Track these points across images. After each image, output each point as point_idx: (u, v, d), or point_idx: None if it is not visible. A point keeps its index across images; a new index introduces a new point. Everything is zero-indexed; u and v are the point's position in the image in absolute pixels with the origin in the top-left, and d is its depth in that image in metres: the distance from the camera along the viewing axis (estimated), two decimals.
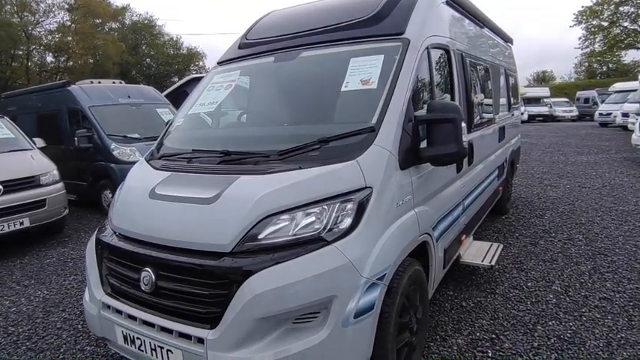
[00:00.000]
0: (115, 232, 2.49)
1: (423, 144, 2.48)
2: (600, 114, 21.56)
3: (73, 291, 4.17)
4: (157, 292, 2.12)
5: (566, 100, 30.54)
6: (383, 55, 2.61)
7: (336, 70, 2.81)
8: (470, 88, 3.55)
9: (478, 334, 3.03)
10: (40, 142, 6.90)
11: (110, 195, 7.48)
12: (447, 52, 3.16)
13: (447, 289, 3.73)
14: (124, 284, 2.31)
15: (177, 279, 2.06)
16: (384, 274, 2.06)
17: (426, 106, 2.67)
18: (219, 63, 3.57)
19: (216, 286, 1.96)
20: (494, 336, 2.99)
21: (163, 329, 2.07)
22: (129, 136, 7.72)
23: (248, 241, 1.98)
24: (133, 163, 7.30)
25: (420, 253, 2.63)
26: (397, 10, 2.84)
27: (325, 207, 2.02)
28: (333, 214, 2.01)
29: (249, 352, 1.85)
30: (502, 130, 5.00)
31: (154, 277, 2.11)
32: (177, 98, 11.25)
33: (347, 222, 2.01)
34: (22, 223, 5.43)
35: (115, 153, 7.35)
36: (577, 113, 28.45)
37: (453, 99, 3.16)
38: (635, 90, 19.05)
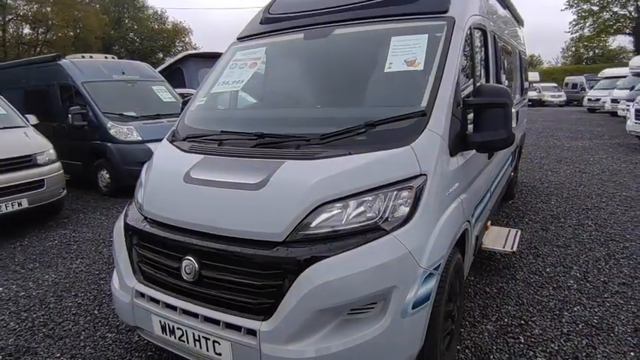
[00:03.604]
0: (146, 218, 2.36)
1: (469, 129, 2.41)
2: (589, 99, 21.82)
3: (83, 275, 4.03)
4: (200, 282, 2.02)
5: (555, 85, 30.82)
6: (427, 35, 2.49)
7: (374, 49, 2.69)
8: (499, 71, 3.47)
9: (506, 319, 3.04)
10: (32, 119, 6.59)
11: (107, 175, 7.26)
12: (484, 32, 3.06)
13: (468, 275, 3.72)
14: (160, 272, 2.20)
15: (224, 268, 1.97)
16: (439, 264, 2.01)
17: (467, 90, 2.59)
18: (240, 39, 3.39)
19: (270, 277, 1.87)
20: (522, 322, 3.00)
21: (208, 319, 1.99)
22: (125, 114, 7.44)
23: (301, 230, 1.89)
24: (131, 142, 7.20)
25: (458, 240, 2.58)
26: None
27: (381, 195, 1.93)
28: (391, 203, 1.92)
29: (307, 344, 1.79)
30: (517, 113, 4.95)
31: (197, 266, 2.01)
32: (171, 75, 10.91)
33: (404, 210, 1.94)
34: (20, 204, 5.21)
35: (111, 132, 7.09)
36: (565, 98, 28.77)
37: (487, 82, 3.08)
38: (624, 76, 19.29)
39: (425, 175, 2.03)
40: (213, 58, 12.17)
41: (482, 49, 3.06)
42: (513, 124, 4.79)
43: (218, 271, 1.98)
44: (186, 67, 12.26)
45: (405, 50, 2.47)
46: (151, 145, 6.88)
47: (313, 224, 1.91)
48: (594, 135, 12.55)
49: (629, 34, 38.48)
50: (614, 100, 17.42)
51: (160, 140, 6.95)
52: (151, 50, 41.19)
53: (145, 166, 2.75)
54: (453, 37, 2.45)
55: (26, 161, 5.39)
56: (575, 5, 38.50)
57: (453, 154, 2.27)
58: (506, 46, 4.25)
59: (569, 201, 5.89)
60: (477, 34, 2.89)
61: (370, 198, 1.94)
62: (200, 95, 3.21)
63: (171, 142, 2.81)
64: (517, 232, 4.03)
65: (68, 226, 5.65)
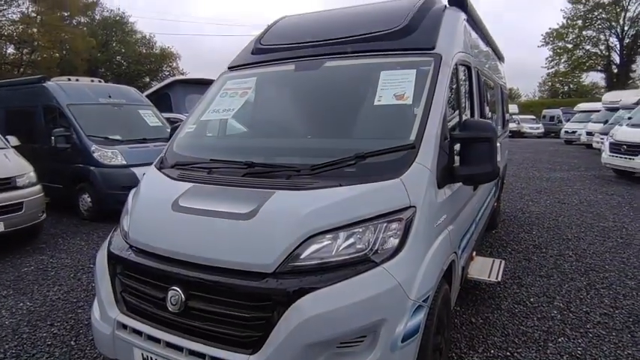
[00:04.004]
0: (131, 246, 2.32)
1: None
2: (566, 132, 22.63)
3: (60, 303, 3.89)
4: (186, 313, 1.98)
5: (533, 117, 31.88)
6: (415, 70, 2.58)
7: (364, 82, 2.77)
8: (484, 106, 3.59)
9: (492, 351, 3.04)
10: (14, 141, 6.48)
11: (89, 199, 7.11)
12: (469, 68, 3.18)
13: (454, 305, 3.72)
14: (144, 303, 2.15)
15: (212, 300, 1.94)
16: (428, 296, 2.02)
17: (452, 123, 2.67)
18: (231, 68, 3.44)
19: (258, 309, 1.85)
20: (508, 354, 3.00)
21: (193, 353, 1.94)
22: (110, 137, 7.38)
23: (291, 261, 1.88)
24: (115, 166, 7.11)
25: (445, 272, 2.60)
26: (425, 24, 2.83)
27: (371, 227, 1.95)
28: (380, 235, 1.94)
29: None
30: (499, 145, 5.10)
31: (183, 296, 1.97)
32: (158, 100, 10.91)
33: (394, 242, 1.95)
34: None
35: (95, 155, 7.00)
36: (543, 130, 29.73)
37: (472, 116, 3.18)
38: (598, 111, 20.16)
39: (414, 207, 2.06)
40: (200, 84, 12.27)
41: (467, 84, 3.17)
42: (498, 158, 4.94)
43: (205, 303, 1.95)
44: (173, 92, 12.29)
45: (395, 84, 2.55)
46: (135, 170, 6.81)
47: (303, 255, 1.90)
48: (571, 166, 12.94)
49: (600, 71, 40.51)
50: (589, 133, 18.12)
51: (145, 165, 6.87)
52: (137, 74, 41.18)
53: (132, 192, 2.72)
54: (440, 73, 2.54)
55: (5, 184, 5.26)
56: (550, 43, 40.51)
57: (440, 186, 2.32)
58: (489, 80, 4.42)
59: (550, 231, 6.01)
60: (462, 69, 3.01)
61: (360, 230, 1.96)
62: (189, 122, 3.22)
63: (159, 168, 2.79)
64: (501, 262, 4.07)
65: (46, 252, 5.47)
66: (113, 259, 2.35)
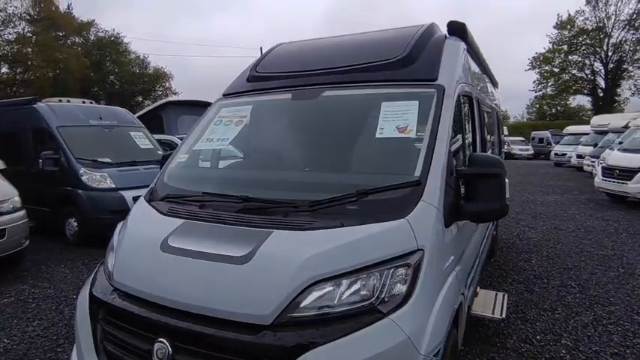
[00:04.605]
0: (115, 289, 2.14)
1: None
2: (556, 154, 22.87)
3: (39, 340, 3.64)
4: None
5: (522, 139, 32.25)
6: (417, 102, 2.48)
7: (364, 113, 2.66)
8: (484, 135, 3.51)
9: None
10: (0, 164, 6.26)
11: (75, 223, 6.88)
12: (471, 99, 3.10)
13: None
14: (127, 354, 1.96)
15: (202, 354, 1.75)
16: (439, 349, 1.85)
17: (458, 158, 2.57)
18: (225, 95, 3.33)
19: None
20: None
21: None
22: (100, 160, 7.20)
23: (290, 312, 1.72)
24: (104, 190, 6.88)
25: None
26: (426, 55, 2.74)
27: (377, 273, 1.80)
28: (387, 281, 1.79)
29: None
30: None
31: (170, 349, 1.79)
32: (150, 121, 10.77)
33: (401, 290, 1.80)
34: None
35: (83, 178, 6.80)
36: (532, 152, 30.04)
37: (475, 148, 3.09)
38: (587, 133, 20.42)
39: (422, 250, 1.92)
40: (192, 105, 12.19)
41: (470, 115, 3.09)
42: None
43: (194, 358, 1.76)
44: (165, 113, 12.19)
45: (397, 116, 2.44)
46: (125, 193, 6.63)
47: (303, 305, 1.74)
48: (564, 190, 12.95)
49: (586, 94, 41.43)
50: (580, 156, 18.30)
51: (135, 188, 6.63)
52: (130, 93, 41.15)
53: (118, 227, 2.55)
54: (443, 105, 2.44)
55: None
56: (537, 67, 41.44)
57: (447, 225, 2.18)
58: (487, 108, 4.36)
59: (549, 260, 5.88)
60: (464, 100, 2.93)
61: (365, 276, 1.81)
62: (182, 151, 3.08)
63: (149, 201, 2.63)
64: (504, 295, 3.92)
65: (28, 281, 5.21)
66: (95, 302, 2.16)
